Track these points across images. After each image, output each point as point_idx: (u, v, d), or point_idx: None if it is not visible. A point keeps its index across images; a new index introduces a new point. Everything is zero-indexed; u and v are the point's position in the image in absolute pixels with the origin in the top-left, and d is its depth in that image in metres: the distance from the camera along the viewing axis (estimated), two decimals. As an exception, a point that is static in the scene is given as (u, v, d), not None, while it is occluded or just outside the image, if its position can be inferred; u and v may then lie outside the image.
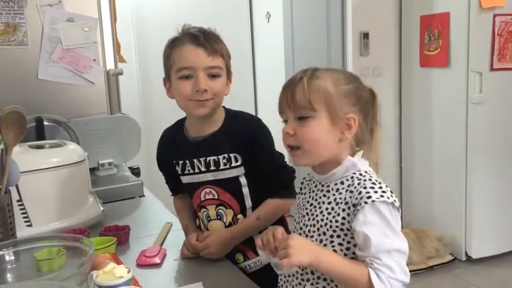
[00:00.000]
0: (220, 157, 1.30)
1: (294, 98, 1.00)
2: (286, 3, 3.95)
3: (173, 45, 1.27)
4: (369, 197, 0.95)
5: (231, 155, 1.29)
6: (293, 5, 3.91)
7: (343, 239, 1.00)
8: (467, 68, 3.03)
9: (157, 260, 1.28)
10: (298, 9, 3.88)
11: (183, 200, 1.46)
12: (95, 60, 2.07)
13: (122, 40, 2.41)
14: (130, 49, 3.88)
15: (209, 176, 1.32)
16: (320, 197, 1.05)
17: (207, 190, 1.34)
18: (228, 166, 1.30)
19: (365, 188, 0.96)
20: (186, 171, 1.35)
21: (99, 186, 1.86)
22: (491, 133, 3.11)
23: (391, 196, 0.96)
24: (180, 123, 1.40)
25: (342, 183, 1.02)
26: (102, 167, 2.03)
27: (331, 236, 1.00)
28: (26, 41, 1.98)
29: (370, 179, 0.99)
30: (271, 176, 1.32)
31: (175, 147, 1.37)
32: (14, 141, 1.22)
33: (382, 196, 0.95)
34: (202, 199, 1.35)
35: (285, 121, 1.03)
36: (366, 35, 3.42)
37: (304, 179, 1.15)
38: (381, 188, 0.97)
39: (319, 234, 1.02)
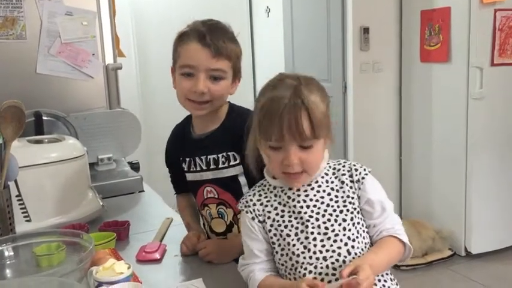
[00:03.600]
0: (220, 156, 1.28)
1: (299, 129, 0.93)
2: (286, -2, 3.93)
3: (181, 39, 1.25)
4: (364, 169, 1.04)
5: (230, 154, 1.27)
6: (293, 0, 3.89)
7: (356, 217, 1.02)
8: (467, 63, 3.02)
9: (157, 256, 1.28)
10: (298, 4, 3.86)
11: (186, 198, 1.46)
12: (93, 54, 2.06)
13: (121, 34, 2.40)
14: (130, 43, 3.86)
15: (209, 175, 1.31)
16: (305, 201, 1.02)
17: (208, 189, 1.33)
18: (226, 165, 1.28)
19: (354, 165, 1.05)
20: (191, 169, 1.34)
21: (99, 181, 1.85)
22: (492, 128, 3.11)
23: None
24: (188, 119, 1.38)
25: (323, 177, 1.04)
26: (102, 162, 2.02)
27: (352, 219, 1.01)
28: (24, 35, 1.96)
29: (345, 161, 1.06)
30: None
31: (182, 144, 1.37)
32: (13, 136, 1.21)
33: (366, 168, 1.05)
34: (205, 197, 1.34)
35: (276, 148, 0.96)
36: (366, 30, 3.40)
37: (247, 205, 1.06)
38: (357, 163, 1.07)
39: (344, 228, 1.00)
